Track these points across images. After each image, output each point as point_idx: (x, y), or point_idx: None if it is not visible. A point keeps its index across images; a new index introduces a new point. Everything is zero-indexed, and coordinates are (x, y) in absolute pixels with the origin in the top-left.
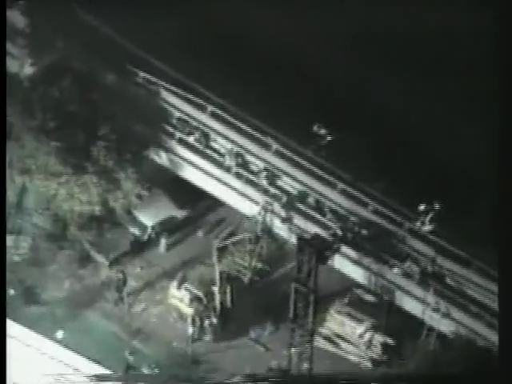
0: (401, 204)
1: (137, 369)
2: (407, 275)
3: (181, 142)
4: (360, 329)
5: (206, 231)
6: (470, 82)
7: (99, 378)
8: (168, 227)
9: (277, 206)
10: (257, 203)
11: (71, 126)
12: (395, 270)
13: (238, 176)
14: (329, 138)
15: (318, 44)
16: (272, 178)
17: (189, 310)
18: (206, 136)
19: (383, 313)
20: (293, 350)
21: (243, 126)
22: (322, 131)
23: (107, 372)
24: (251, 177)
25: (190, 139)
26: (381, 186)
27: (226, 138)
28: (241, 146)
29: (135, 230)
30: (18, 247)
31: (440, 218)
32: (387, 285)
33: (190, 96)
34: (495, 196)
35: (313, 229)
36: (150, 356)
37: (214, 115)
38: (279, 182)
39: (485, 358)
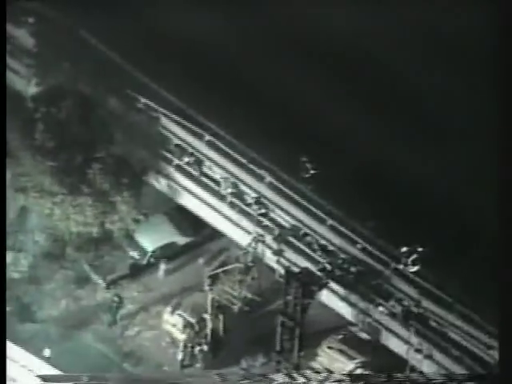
0: (388, 244)
1: None
2: (392, 314)
3: (178, 168)
4: (350, 366)
5: (207, 259)
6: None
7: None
8: (168, 253)
9: (269, 238)
10: (249, 233)
11: (69, 147)
12: (380, 308)
13: (232, 205)
14: (312, 172)
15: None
16: (265, 209)
17: (181, 336)
18: (200, 163)
19: (370, 351)
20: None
21: (238, 157)
22: (308, 165)
23: None
24: (244, 207)
25: (186, 166)
26: (370, 225)
27: (221, 167)
28: (235, 176)
29: (135, 254)
30: (17, 264)
31: (424, 260)
32: (373, 323)
33: (188, 124)
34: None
35: (303, 263)
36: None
37: (210, 144)
38: (272, 214)
39: None
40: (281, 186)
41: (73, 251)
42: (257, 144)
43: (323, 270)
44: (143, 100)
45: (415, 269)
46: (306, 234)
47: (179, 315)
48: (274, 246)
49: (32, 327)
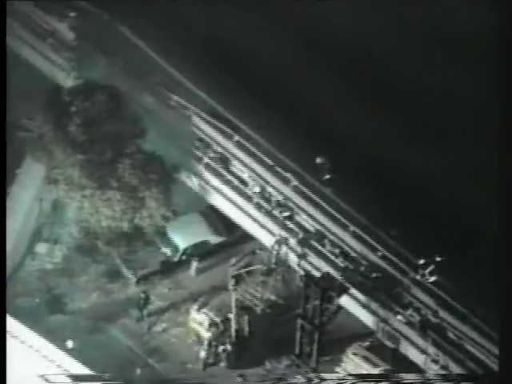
0: (408, 252)
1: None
2: (410, 323)
3: (208, 167)
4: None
5: (239, 259)
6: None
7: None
8: (200, 251)
9: (293, 241)
10: (273, 236)
11: (100, 141)
12: (399, 317)
13: (259, 207)
14: (327, 177)
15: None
16: (290, 212)
17: (207, 334)
18: (228, 162)
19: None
20: None
21: (265, 158)
22: (326, 166)
23: None
24: (270, 209)
25: (215, 164)
26: (393, 233)
27: (249, 167)
28: (262, 178)
29: (167, 251)
30: (51, 256)
31: (442, 271)
32: (392, 331)
33: (218, 123)
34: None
35: (324, 267)
36: (160, 374)
37: (239, 144)
38: (297, 218)
39: None
40: (305, 190)
41: (104, 245)
42: (284, 146)
43: (344, 275)
44: (175, 97)
45: (433, 279)
46: (328, 239)
47: (205, 314)
48: (298, 249)
49: (61, 319)
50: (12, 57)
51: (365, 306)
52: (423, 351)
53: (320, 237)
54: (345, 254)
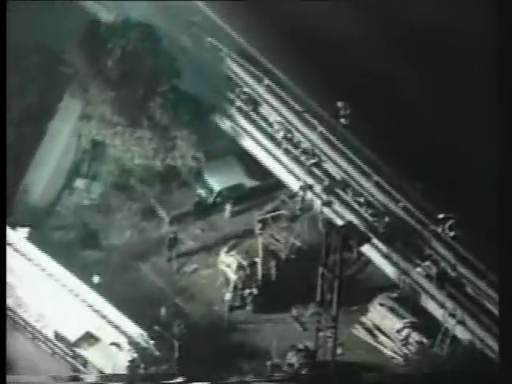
0: (429, 205)
1: (165, 325)
2: (429, 276)
3: (240, 110)
4: (399, 324)
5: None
6: None
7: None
8: (236, 194)
9: (318, 188)
10: (300, 182)
11: (133, 79)
12: (418, 269)
13: (287, 152)
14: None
15: None
16: (316, 159)
17: (234, 277)
18: (258, 106)
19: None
20: (320, 334)
21: (294, 104)
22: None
23: (132, 326)
24: (298, 154)
25: (246, 108)
26: (419, 186)
27: (278, 112)
28: (290, 123)
29: (202, 192)
30: (89, 192)
31: (462, 226)
32: (412, 283)
33: (250, 66)
34: None
35: (348, 216)
36: (186, 315)
37: (269, 88)
38: (324, 165)
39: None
40: (331, 137)
41: (139, 184)
42: (312, 91)
43: (366, 224)
44: (210, 39)
45: (452, 233)
46: (353, 188)
47: (233, 256)
48: (323, 196)
49: (93, 254)
50: None
51: (387, 257)
52: (442, 305)
53: (344, 185)
54: (368, 204)
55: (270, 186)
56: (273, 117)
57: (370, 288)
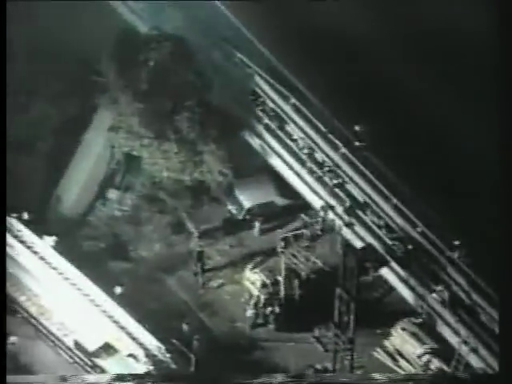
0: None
1: (185, 339)
2: (443, 303)
3: (267, 128)
4: (420, 350)
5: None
6: None
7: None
8: (266, 212)
9: (340, 209)
10: (322, 202)
11: (162, 92)
12: (434, 295)
13: (311, 172)
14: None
15: None
16: (339, 180)
17: (257, 294)
18: (283, 124)
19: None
20: (339, 355)
21: (318, 124)
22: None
23: (150, 338)
24: (321, 174)
25: (273, 125)
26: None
27: (303, 131)
28: (315, 143)
29: (232, 208)
30: (121, 203)
31: (478, 253)
32: (428, 309)
33: (277, 84)
34: None
35: (368, 238)
36: (208, 330)
37: (295, 107)
38: (347, 186)
39: None
40: (353, 158)
41: (168, 197)
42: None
43: (385, 248)
44: (239, 55)
45: (468, 260)
46: (372, 210)
47: (257, 274)
48: (345, 217)
49: (120, 265)
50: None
51: (404, 281)
52: (456, 332)
53: (365, 207)
54: (388, 227)
55: (300, 205)
56: (298, 135)
57: (394, 312)
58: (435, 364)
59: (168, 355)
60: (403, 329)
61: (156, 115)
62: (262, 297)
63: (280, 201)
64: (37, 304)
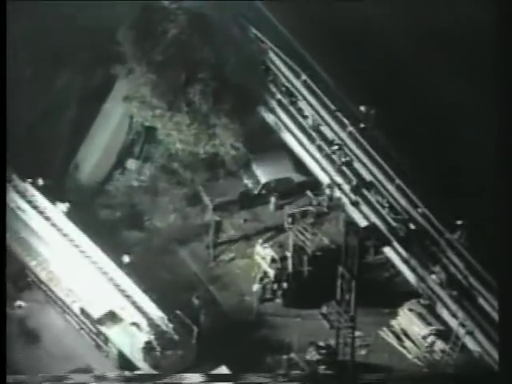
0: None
1: (192, 311)
2: (442, 285)
3: (280, 103)
4: (425, 331)
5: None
6: None
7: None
8: (282, 188)
9: (347, 188)
10: (330, 180)
11: (176, 64)
12: (433, 276)
13: (320, 149)
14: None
15: None
16: (348, 158)
17: (268, 269)
18: (295, 100)
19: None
20: (341, 332)
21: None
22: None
23: (154, 309)
24: (329, 152)
25: (286, 101)
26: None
27: (313, 108)
28: (324, 120)
29: (249, 182)
30: (140, 173)
31: (478, 236)
32: (428, 290)
33: (289, 60)
34: None
35: (372, 217)
36: (216, 303)
37: (305, 84)
38: (354, 165)
39: None
40: (359, 137)
41: (183, 169)
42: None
43: (388, 228)
44: (254, 30)
45: (468, 243)
46: (377, 190)
47: (268, 249)
48: (351, 196)
49: (135, 235)
50: None
51: (406, 262)
52: (454, 314)
53: (370, 186)
54: (391, 207)
55: (317, 182)
56: (309, 112)
57: (403, 292)
58: (439, 346)
59: (171, 325)
60: (410, 309)
61: (169, 86)
62: (272, 272)
63: (297, 177)
64: (46, 269)
